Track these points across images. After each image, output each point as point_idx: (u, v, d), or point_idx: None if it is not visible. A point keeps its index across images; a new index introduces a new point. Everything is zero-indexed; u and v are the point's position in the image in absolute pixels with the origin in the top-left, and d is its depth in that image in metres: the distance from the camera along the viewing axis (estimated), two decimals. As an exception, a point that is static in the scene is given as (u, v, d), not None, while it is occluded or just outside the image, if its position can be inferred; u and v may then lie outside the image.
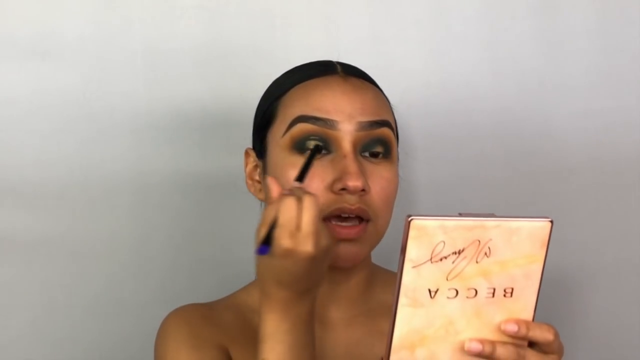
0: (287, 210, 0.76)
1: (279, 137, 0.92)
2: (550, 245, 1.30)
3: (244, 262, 1.17)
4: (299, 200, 0.77)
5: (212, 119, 1.21)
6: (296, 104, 0.92)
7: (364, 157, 0.91)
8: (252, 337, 0.93)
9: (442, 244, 0.70)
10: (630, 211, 1.28)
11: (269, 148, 0.94)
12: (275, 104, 0.95)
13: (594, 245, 1.28)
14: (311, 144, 0.89)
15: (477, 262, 0.71)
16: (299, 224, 0.76)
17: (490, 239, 0.71)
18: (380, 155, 0.92)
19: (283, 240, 0.76)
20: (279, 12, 1.23)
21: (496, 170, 1.26)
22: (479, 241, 0.71)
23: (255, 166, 0.97)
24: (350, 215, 0.89)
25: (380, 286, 0.99)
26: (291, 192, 0.78)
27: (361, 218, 0.89)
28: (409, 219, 0.70)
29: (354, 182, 0.87)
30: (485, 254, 0.71)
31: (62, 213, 1.19)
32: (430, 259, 0.70)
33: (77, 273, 1.20)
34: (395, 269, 0.99)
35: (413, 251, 0.70)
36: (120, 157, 1.20)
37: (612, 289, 1.28)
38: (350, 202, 0.88)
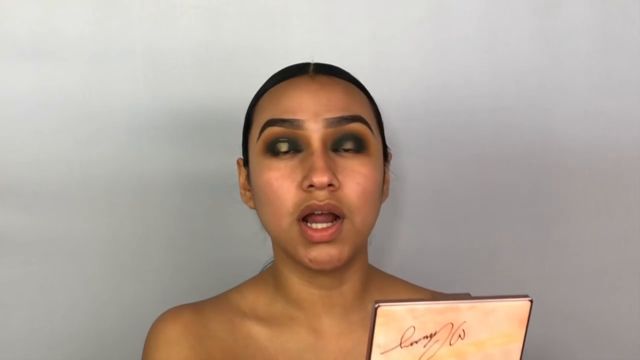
0: None
1: (254, 144, 0.92)
2: (550, 246, 1.31)
3: (243, 262, 1.17)
4: None
5: (212, 119, 1.21)
6: (266, 109, 0.92)
7: (337, 152, 0.89)
8: (238, 347, 0.93)
9: (412, 328, 0.67)
10: (630, 211, 1.28)
11: (249, 155, 0.94)
12: (251, 112, 0.96)
13: (594, 245, 1.28)
14: (282, 146, 0.89)
15: (450, 344, 0.68)
16: None
17: (465, 321, 0.67)
18: (354, 150, 0.89)
19: None
20: (279, 12, 1.23)
21: (496, 170, 1.26)
22: (452, 324, 0.67)
23: (247, 176, 0.96)
24: (323, 212, 0.87)
25: (376, 292, 0.97)
26: None
27: (334, 215, 0.88)
28: (376, 305, 0.66)
29: (318, 178, 0.85)
30: (460, 336, 0.68)
31: (62, 213, 1.20)
32: (400, 344, 0.67)
33: (77, 273, 1.20)
34: (385, 269, 0.99)
35: (381, 337, 0.67)
36: (120, 157, 1.20)
37: (612, 289, 1.28)
38: (318, 198, 0.86)
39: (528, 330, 0.68)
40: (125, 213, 1.21)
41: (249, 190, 0.96)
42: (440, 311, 0.67)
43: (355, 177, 0.88)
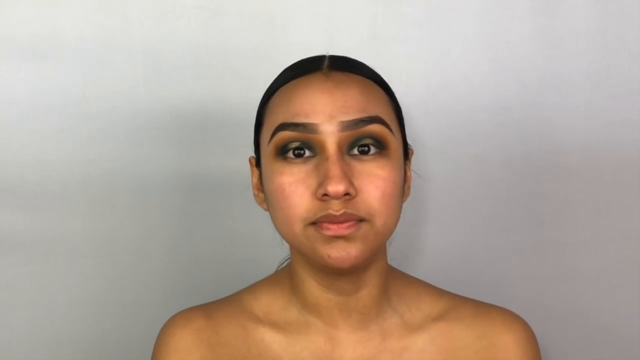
0: None
1: (265, 145, 0.88)
2: (549, 241, 1.30)
3: (243, 262, 1.18)
4: None
5: (212, 119, 1.21)
6: (278, 111, 0.87)
7: (354, 155, 0.84)
8: (251, 356, 0.91)
9: None
10: (630, 211, 1.28)
11: (261, 156, 0.90)
12: (263, 110, 0.91)
13: (594, 245, 1.27)
14: (295, 151, 0.85)
15: None
16: None
17: None
18: (372, 152, 0.85)
19: None
20: (279, 12, 1.23)
21: (496, 170, 1.26)
22: None
23: (260, 176, 0.92)
24: (339, 222, 0.82)
25: (395, 297, 0.94)
26: None
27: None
28: None
29: (334, 187, 0.81)
30: None
31: (62, 213, 1.20)
32: None
33: (77, 273, 1.20)
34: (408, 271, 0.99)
35: None
36: (120, 156, 1.20)
37: (612, 289, 1.28)
38: (334, 208, 0.82)
39: None
40: (125, 213, 1.21)
41: (262, 192, 0.91)
42: None
43: (374, 181, 0.83)
